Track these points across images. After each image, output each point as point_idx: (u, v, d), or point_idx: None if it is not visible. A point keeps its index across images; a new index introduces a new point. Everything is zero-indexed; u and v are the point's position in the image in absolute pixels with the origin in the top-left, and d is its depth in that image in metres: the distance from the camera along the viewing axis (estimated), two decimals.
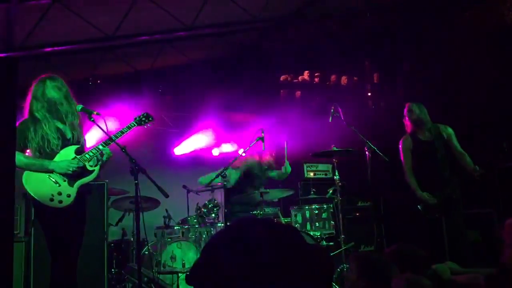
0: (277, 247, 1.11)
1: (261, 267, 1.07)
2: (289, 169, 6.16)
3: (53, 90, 3.86)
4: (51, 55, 6.40)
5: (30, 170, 3.68)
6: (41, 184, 3.68)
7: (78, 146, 3.89)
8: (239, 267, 1.09)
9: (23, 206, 4.99)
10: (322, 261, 1.18)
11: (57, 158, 3.77)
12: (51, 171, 3.70)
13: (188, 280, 1.24)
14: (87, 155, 3.84)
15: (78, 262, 3.76)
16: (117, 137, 3.94)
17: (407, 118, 5.39)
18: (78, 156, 3.82)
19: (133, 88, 7.97)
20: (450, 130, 5.35)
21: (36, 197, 3.65)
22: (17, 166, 3.60)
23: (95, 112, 3.86)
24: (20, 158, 3.66)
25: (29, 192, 3.66)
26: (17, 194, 4.39)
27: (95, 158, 3.87)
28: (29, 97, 3.89)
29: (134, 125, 4.18)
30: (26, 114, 3.87)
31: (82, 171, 3.81)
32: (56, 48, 6.18)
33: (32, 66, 6.58)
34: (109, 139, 3.87)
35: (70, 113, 3.89)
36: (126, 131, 4.08)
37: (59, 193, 3.69)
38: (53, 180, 3.70)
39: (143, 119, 4.29)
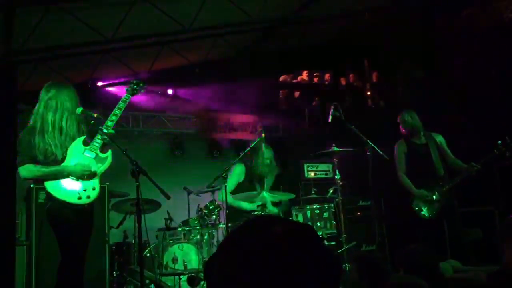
0: (296, 248, 1.08)
1: (276, 269, 1.04)
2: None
3: (67, 100, 3.78)
4: (50, 59, 6.38)
5: (47, 180, 3.61)
6: (67, 185, 3.63)
7: (84, 137, 3.81)
8: (254, 268, 1.06)
9: (24, 210, 4.97)
10: (336, 264, 1.16)
11: (68, 158, 3.67)
12: (67, 177, 3.64)
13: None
14: (95, 144, 3.78)
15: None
16: (116, 116, 3.86)
17: (400, 126, 5.51)
18: (87, 147, 3.75)
19: None
20: (441, 137, 5.51)
21: (64, 199, 3.58)
22: (32, 177, 3.61)
23: (95, 115, 3.80)
24: (34, 169, 3.59)
25: (57, 196, 3.58)
26: (17, 198, 4.41)
27: (102, 143, 3.80)
28: (38, 104, 3.77)
29: (129, 97, 4.05)
30: (31, 121, 3.76)
31: (98, 159, 3.75)
32: (54, 52, 6.16)
33: (31, 70, 6.58)
34: (109, 120, 3.80)
35: (77, 121, 3.82)
36: (123, 106, 3.97)
37: (84, 189, 3.66)
38: (75, 178, 3.66)
39: (135, 87, 4.11)
